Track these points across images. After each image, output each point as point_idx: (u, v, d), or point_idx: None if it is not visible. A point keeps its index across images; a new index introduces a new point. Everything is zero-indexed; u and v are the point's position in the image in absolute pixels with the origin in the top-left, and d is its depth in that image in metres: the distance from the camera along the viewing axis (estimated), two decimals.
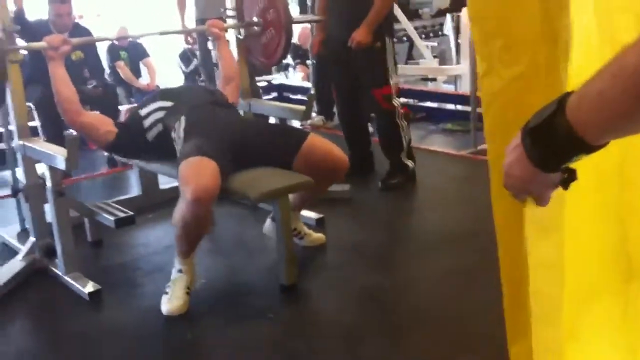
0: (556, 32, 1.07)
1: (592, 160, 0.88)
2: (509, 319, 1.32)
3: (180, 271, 2.69)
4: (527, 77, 1.13)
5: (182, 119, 2.91)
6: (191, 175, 2.55)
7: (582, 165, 0.89)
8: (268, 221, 3.18)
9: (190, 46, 7.38)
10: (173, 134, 2.92)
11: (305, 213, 3.37)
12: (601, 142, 0.84)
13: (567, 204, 1.06)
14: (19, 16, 4.43)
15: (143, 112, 3.07)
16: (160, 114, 3.02)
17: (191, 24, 5.45)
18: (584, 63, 1.10)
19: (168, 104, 3.05)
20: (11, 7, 4.33)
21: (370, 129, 4.57)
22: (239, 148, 2.83)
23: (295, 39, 7.65)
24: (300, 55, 8.18)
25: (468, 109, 5.12)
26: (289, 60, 8.20)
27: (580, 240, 1.20)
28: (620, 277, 1.20)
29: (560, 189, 0.95)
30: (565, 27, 1.06)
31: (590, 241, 1.21)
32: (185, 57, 7.67)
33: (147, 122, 3.02)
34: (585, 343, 1.22)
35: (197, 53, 7.22)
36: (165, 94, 3.20)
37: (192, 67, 7.52)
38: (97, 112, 3.16)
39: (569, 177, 0.93)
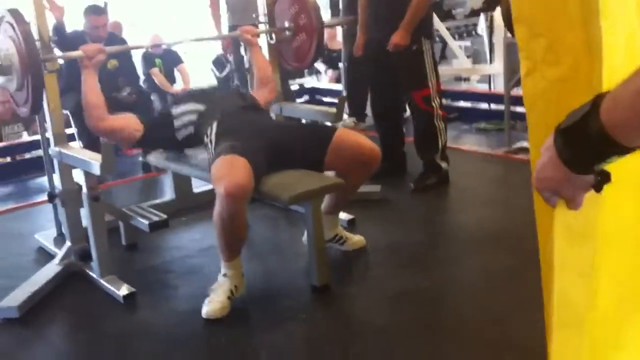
0: (591, 35, 1.06)
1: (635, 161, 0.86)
2: (549, 323, 1.29)
3: (225, 275, 2.70)
4: (569, 79, 1.12)
5: (214, 124, 2.94)
6: (224, 173, 2.58)
7: (627, 167, 0.87)
8: (306, 232, 3.17)
9: (224, 52, 7.45)
10: (206, 139, 2.95)
11: None
12: (635, 143, 0.82)
13: (607, 210, 1.02)
14: (58, 29, 4.52)
15: (175, 111, 3.11)
16: (192, 117, 3.06)
17: (225, 30, 5.49)
18: (628, 64, 1.08)
19: (201, 107, 3.09)
20: (51, 20, 4.43)
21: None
22: (271, 151, 2.85)
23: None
24: (326, 56, 8.16)
25: (502, 107, 5.06)
26: (319, 63, 8.22)
27: (627, 247, 1.17)
28: None
29: (594, 193, 0.92)
30: (598, 30, 1.04)
31: (635, 247, 1.18)
32: (219, 63, 7.73)
33: (177, 122, 3.08)
34: (631, 353, 1.19)
35: (231, 59, 7.29)
36: (198, 95, 3.24)
37: (225, 72, 7.57)
38: (122, 115, 3.20)
39: (603, 180, 0.91)
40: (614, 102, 0.81)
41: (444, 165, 4.04)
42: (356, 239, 3.22)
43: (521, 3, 1.19)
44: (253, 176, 2.60)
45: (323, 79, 8.09)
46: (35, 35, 2.85)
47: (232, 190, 2.50)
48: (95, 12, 4.73)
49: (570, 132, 0.86)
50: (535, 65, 1.16)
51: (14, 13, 2.78)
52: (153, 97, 6.40)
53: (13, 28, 2.77)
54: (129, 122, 3.12)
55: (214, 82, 7.75)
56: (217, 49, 7.74)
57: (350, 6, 5.04)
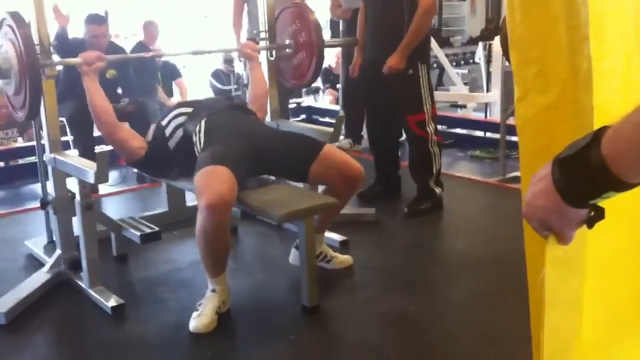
0: (579, 62, 1.06)
1: (631, 195, 0.85)
2: (535, 348, 1.29)
3: (213, 291, 2.69)
4: (557, 107, 1.12)
5: (202, 122, 2.95)
6: (205, 184, 2.58)
7: (621, 200, 0.86)
8: (293, 251, 3.16)
9: (224, 68, 7.48)
10: (194, 138, 2.94)
11: (329, 235, 3.36)
12: (634, 179, 0.81)
13: (598, 239, 1.02)
14: (61, 35, 4.52)
15: (164, 122, 3.10)
16: (180, 120, 3.05)
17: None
18: (623, 89, 1.09)
19: (188, 109, 3.10)
20: (55, 26, 4.44)
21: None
22: (257, 152, 2.85)
23: (326, 64, 7.72)
24: (330, 79, 8.22)
25: (497, 136, 5.09)
26: (318, 83, 8.27)
27: (614, 273, 1.17)
28: None
29: (584, 228, 0.91)
30: (587, 57, 1.05)
31: (626, 275, 1.18)
32: (218, 76, 7.76)
33: (168, 130, 3.05)
34: None
35: (231, 75, 7.31)
36: (185, 102, 3.24)
37: (227, 87, 7.59)
38: (131, 129, 3.19)
39: (596, 216, 0.89)
40: (616, 134, 0.80)
41: (438, 190, 4.05)
42: (343, 258, 3.21)
43: (515, 29, 1.19)
44: (237, 185, 2.60)
45: (321, 98, 8.13)
46: (35, 40, 2.85)
47: (214, 200, 2.49)
48: (96, 21, 4.72)
49: (569, 162, 0.85)
50: (526, 91, 1.17)
51: (15, 16, 2.77)
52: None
53: (13, 31, 2.77)
54: (138, 137, 3.10)
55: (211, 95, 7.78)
56: (216, 63, 7.77)
57: (350, 27, 5.08)
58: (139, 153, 3.03)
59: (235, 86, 7.28)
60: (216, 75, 7.78)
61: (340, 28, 5.78)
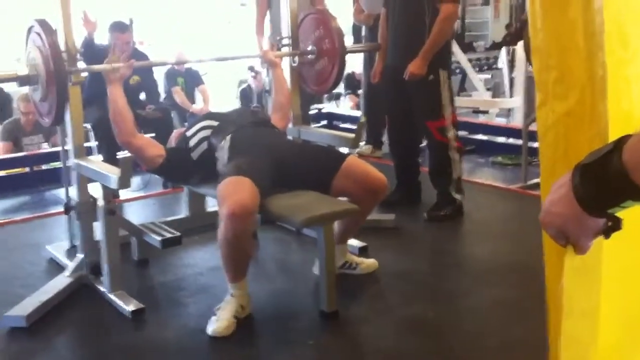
0: (596, 69, 1.06)
1: None
2: (552, 356, 1.28)
3: (232, 295, 2.71)
4: (576, 113, 1.11)
5: (228, 137, 2.97)
6: (227, 193, 2.60)
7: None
8: (317, 262, 3.16)
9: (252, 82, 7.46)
10: (217, 153, 2.97)
11: (348, 241, 3.35)
12: None
13: (606, 250, 1.02)
14: (89, 42, 4.57)
15: (189, 132, 3.15)
16: (206, 133, 3.09)
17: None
18: None
19: (214, 123, 3.13)
20: (82, 33, 4.49)
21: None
22: (280, 167, 2.87)
23: (350, 69, 7.70)
24: (353, 85, 8.22)
25: (519, 142, 5.05)
26: (340, 89, 8.27)
27: (630, 283, 1.16)
28: None
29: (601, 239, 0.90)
30: (602, 64, 1.04)
31: None
32: (245, 95, 7.78)
33: (192, 141, 3.09)
34: None
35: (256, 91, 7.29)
36: (212, 115, 3.27)
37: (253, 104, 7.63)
38: (150, 136, 3.22)
39: (613, 226, 0.88)
40: (638, 142, 0.79)
41: (458, 197, 4.02)
42: (369, 262, 3.21)
43: (536, 34, 1.19)
44: (258, 196, 2.61)
45: (342, 104, 8.13)
46: (62, 47, 2.89)
47: (236, 209, 2.51)
48: (120, 29, 4.77)
49: (590, 169, 0.84)
50: (547, 97, 1.16)
51: (42, 23, 2.83)
52: (173, 114, 6.46)
53: (41, 38, 2.82)
54: (156, 145, 3.12)
55: (235, 106, 7.82)
56: (241, 73, 7.79)
57: (373, 33, 5.07)
58: (157, 161, 3.05)
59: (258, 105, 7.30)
60: (244, 93, 7.81)
61: (363, 33, 5.78)
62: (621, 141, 0.82)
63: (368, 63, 5.47)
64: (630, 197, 0.82)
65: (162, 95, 6.67)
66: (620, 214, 0.87)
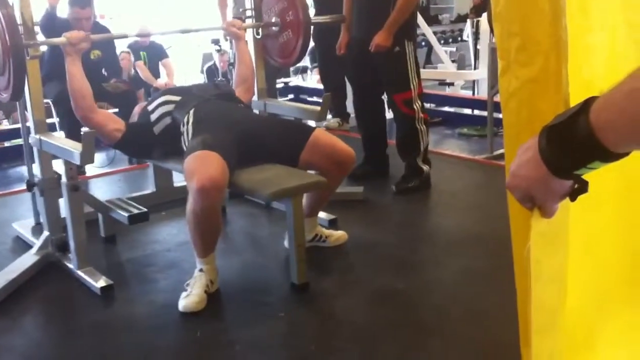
0: (559, 34, 1.06)
1: (619, 166, 0.85)
2: (522, 322, 1.30)
3: (201, 270, 2.70)
4: (540, 80, 1.11)
5: (191, 112, 2.94)
6: (196, 167, 2.57)
7: (609, 170, 0.85)
8: (287, 235, 3.16)
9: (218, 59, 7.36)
10: (182, 128, 2.94)
11: (318, 214, 3.35)
12: (620, 149, 0.81)
13: (576, 218, 1.02)
14: (51, 15, 4.45)
15: (150, 107, 3.11)
16: (168, 107, 3.05)
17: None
18: (609, 64, 1.08)
19: (176, 97, 3.09)
20: (44, 6, 4.37)
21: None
22: (246, 141, 2.85)
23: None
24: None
25: (485, 113, 5.10)
26: (306, 62, 8.21)
27: (600, 248, 1.17)
28: None
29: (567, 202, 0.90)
30: (565, 29, 1.04)
31: (612, 249, 1.19)
32: (211, 73, 7.67)
33: (153, 116, 3.06)
34: (601, 353, 1.20)
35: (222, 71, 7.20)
36: (173, 89, 3.22)
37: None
38: (113, 111, 3.17)
39: (580, 188, 0.88)
40: (605, 103, 0.79)
41: (425, 168, 4.05)
42: (338, 235, 3.23)
43: (497, 1, 1.18)
44: (228, 170, 2.59)
45: (309, 77, 8.09)
46: (19, 20, 2.81)
47: (205, 183, 2.49)
48: (80, 4, 4.64)
49: (557, 130, 0.84)
50: (509, 64, 1.15)
51: None
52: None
53: None
54: (115, 119, 3.08)
55: (199, 79, 7.72)
56: (204, 45, 7.68)
57: (335, 5, 5.02)
58: (115, 136, 3.00)
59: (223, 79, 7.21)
60: (209, 71, 7.70)
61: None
62: (588, 102, 0.82)
63: (322, 36, 5.41)
64: (597, 158, 0.82)
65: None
66: (590, 179, 0.88)
